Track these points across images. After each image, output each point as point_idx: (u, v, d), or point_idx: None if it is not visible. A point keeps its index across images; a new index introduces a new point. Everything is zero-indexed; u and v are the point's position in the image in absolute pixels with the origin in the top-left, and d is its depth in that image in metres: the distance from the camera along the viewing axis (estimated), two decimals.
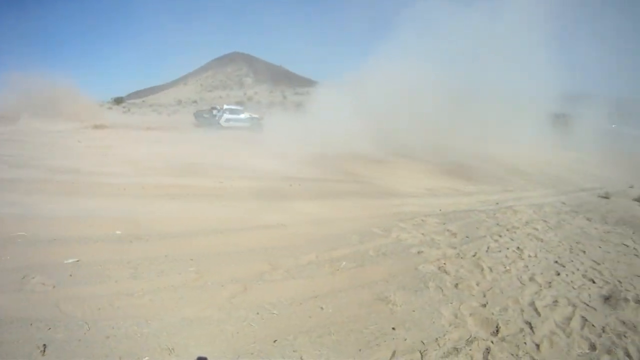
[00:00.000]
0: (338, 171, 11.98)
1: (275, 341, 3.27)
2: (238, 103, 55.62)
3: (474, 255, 5.74)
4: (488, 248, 6.17)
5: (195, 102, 69.66)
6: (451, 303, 4.24)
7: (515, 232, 7.17)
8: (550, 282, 5.05)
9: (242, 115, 26.68)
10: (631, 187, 14.46)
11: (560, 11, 28.92)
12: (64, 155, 11.28)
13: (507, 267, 5.42)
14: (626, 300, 4.70)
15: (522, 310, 4.23)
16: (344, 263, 5.06)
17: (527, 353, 3.43)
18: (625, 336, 3.90)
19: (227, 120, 25.24)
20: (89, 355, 2.90)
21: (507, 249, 6.23)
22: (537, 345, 3.57)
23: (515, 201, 10.23)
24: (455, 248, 5.99)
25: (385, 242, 6.05)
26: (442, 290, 4.53)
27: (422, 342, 3.47)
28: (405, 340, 3.47)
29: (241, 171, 10.46)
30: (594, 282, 5.25)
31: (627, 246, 7.06)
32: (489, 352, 3.38)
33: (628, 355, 3.60)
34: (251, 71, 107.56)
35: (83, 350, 2.92)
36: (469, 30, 26.02)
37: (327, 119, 20.68)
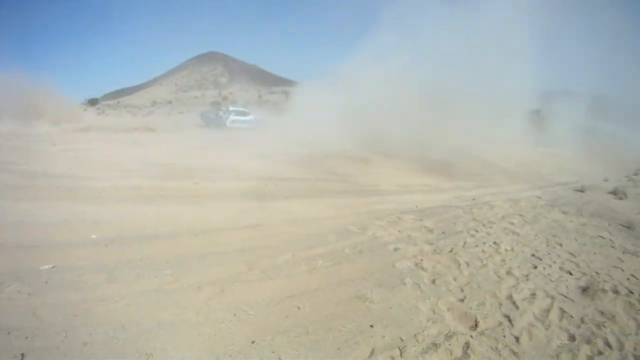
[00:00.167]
0: (320, 170, 11.96)
1: (253, 342, 3.22)
2: (213, 103, 55.56)
3: (450, 251, 5.75)
4: (465, 243, 6.19)
5: (170, 102, 68.73)
6: (429, 299, 4.23)
7: (491, 227, 7.22)
8: (527, 275, 5.09)
9: (246, 117, 27.17)
10: (606, 180, 14.78)
11: (542, 9, 29.48)
12: (39, 159, 11.01)
13: (484, 262, 5.44)
14: (604, 290, 4.75)
15: (500, 304, 4.23)
16: (321, 262, 5.01)
17: (506, 346, 3.43)
18: (604, 326, 3.94)
19: (233, 121, 25.83)
20: None
21: (484, 243, 6.26)
22: (517, 338, 3.57)
23: (491, 196, 10.35)
24: (431, 244, 5.99)
25: (361, 239, 6.02)
26: (420, 287, 4.51)
27: (400, 338, 3.44)
28: (384, 337, 3.44)
29: (222, 172, 10.33)
30: (571, 274, 5.31)
31: (603, 238, 7.18)
32: (468, 347, 3.36)
33: (608, 344, 3.63)
34: (226, 71, 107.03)
35: (61, 358, 2.87)
36: (451, 28, 26.43)
37: (311, 119, 20.90)
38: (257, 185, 9.05)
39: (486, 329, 3.69)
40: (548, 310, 4.19)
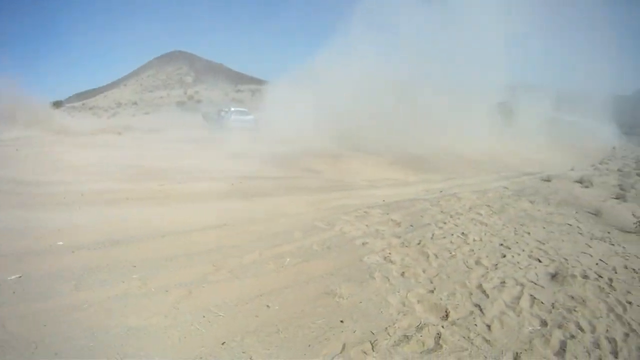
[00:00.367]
0: (290, 168, 11.84)
1: (223, 343, 3.17)
2: (179, 103, 54.82)
3: (418, 243, 5.77)
4: (433, 235, 6.23)
5: (135, 103, 66.95)
6: (398, 292, 4.22)
7: (459, 218, 7.29)
8: (496, 265, 5.15)
9: (247, 117, 27.24)
10: (572, 169, 15.20)
11: (511, 7, 30.26)
12: (2, 164, 10.57)
13: (453, 253, 5.48)
14: (573, 276, 4.85)
15: (471, 294, 4.26)
16: (288, 259, 4.97)
17: (478, 335, 3.44)
18: (575, 310, 4.02)
19: (235, 121, 25.75)
20: None
21: (452, 234, 6.32)
22: (488, 326, 3.59)
23: (459, 188, 10.50)
24: (399, 237, 6.00)
25: (329, 235, 5.98)
26: (389, 280, 4.50)
27: (371, 332, 3.42)
28: (355, 332, 3.42)
29: (192, 173, 10.13)
30: (540, 261, 5.41)
31: (571, 225, 7.35)
32: (440, 337, 3.36)
33: (580, 328, 3.70)
34: (192, 70, 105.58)
35: None
36: (423, 25, 26.86)
37: (285, 117, 20.91)
38: (225, 186, 8.90)
39: (457, 319, 3.70)
40: (518, 298, 4.24)
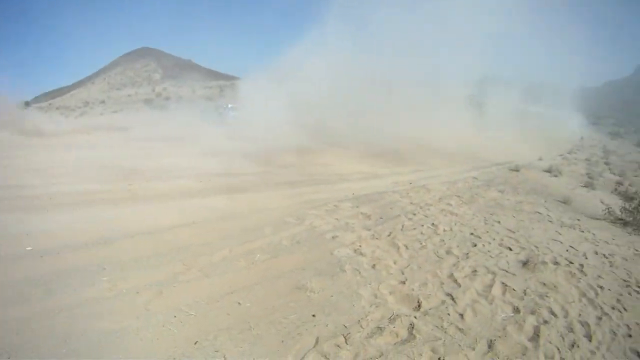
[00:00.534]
0: (260, 164, 11.76)
1: (196, 343, 3.15)
2: (146, 100, 54.04)
3: (389, 235, 5.80)
4: (403, 227, 6.26)
5: (103, 102, 65.37)
6: (370, 284, 4.21)
7: (429, 209, 7.35)
8: (467, 254, 5.21)
9: (236, 113, 27.47)
10: (540, 159, 15.53)
11: (485, 3, 30.92)
12: None
13: (423, 243, 5.52)
14: (544, 262, 4.94)
15: (442, 283, 4.29)
16: (259, 255, 4.93)
17: (451, 324, 3.46)
18: (547, 296, 4.09)
19: (233, 117, 25.95)
20: None
21: (422, 225, 6.36)
22: (461, 315, 3.62)
23: (428, 180, 10.58)
24: (369, 230, 6.02)
25: (299, 230, 5.96)
26: (360, 272, 4.50)
27: (344, 325, 3.41)
28: (327, 325, 3.40)
29: (162, 172, 9.95)
30: (510, 249, 5.49)
31: (540, 213, 7.49)
32: (413, 327, 3.37)
33: (553, 313, 3.76)
34: (160, 66, 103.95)
35: None
36: (396, 19, 27.15)
37: (259, 113, 20.85)
38: (195, 184, 8.80)
39: (430, 309, 3.72)
40: (490, 286, 4.28)
